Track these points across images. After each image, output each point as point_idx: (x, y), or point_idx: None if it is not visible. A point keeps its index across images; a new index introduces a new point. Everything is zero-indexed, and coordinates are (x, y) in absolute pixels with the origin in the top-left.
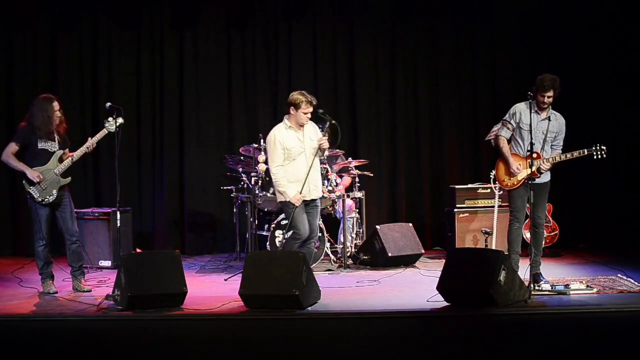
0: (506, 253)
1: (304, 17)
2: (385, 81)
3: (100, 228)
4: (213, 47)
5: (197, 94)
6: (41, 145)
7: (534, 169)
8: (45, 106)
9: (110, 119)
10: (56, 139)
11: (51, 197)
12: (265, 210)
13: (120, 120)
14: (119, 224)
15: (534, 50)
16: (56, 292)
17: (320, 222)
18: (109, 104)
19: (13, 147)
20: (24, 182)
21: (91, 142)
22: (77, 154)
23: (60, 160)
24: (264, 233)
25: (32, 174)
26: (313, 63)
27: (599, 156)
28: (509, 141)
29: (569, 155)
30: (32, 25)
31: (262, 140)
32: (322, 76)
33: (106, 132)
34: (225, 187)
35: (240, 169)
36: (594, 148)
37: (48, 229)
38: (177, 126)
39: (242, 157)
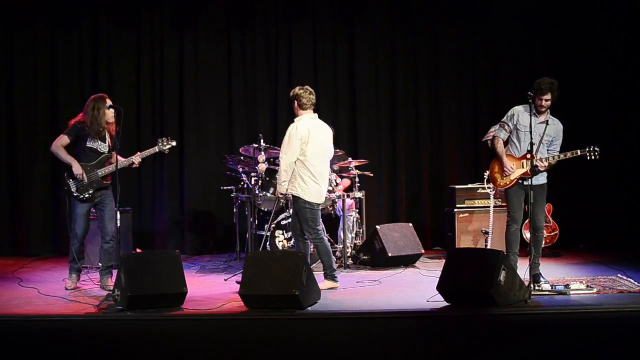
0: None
1: (304, 17)
2: (385, 81)
3: None
4: (213, 47)
5: (197, 94)
6: (90, 144)
7: (527, 168)
8: (96, 104)
9: (164, 139)
10: (107, 140)
11: (87, 194)
12: (265, 210)
13: (173, 143)
14: (119, 224)
15: (534, 51)
16: (72, 289)
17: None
18: (109, 104)
19: (65, 139)
20: (65, 174)
21: (139, 156)
22: (122, 164)
23: (106, 163)
24: (264, 233)
25: (77, 169)
26: (313, 63)
27: (592, 157)
28: (505, 143)
29: (562, 156)
30: (32, 25)
31: (262, 140)
32: (322, 76)
33: (157, 150)
34: (225, 187)
35: (240, 169)
36: (587, 149)
37: (85, 226)
38: (177, 126)
39: (242, 157)
